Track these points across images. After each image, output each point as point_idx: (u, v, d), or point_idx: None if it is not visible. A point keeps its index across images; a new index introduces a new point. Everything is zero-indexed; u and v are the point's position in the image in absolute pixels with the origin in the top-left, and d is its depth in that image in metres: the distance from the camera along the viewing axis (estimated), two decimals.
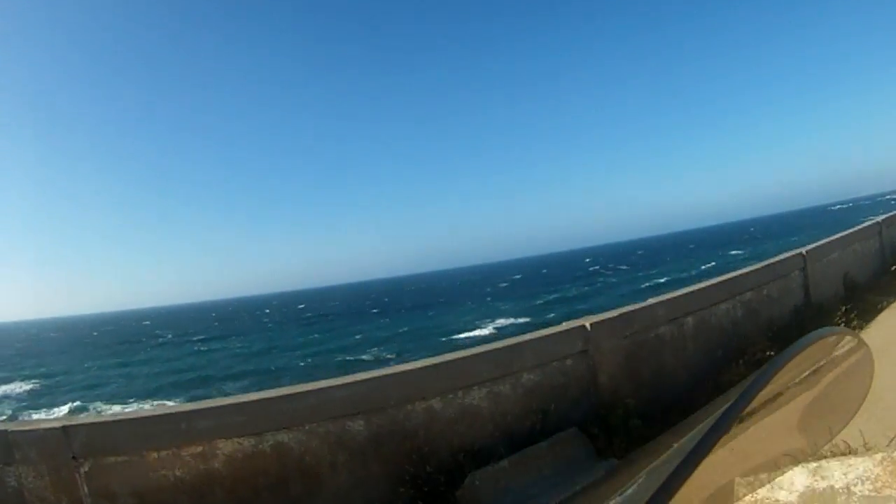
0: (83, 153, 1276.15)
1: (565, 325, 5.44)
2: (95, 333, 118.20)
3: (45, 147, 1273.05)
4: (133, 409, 28.31)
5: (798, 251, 9.97)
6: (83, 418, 3.59)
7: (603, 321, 5.59)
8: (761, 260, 9.68)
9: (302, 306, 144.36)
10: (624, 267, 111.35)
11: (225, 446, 3.60)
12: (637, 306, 6.27)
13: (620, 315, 5.83)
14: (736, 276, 8.16)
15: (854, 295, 10.39)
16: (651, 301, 6.57)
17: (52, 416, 27.89)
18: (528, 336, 5.01)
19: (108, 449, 3.40)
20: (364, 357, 43.97)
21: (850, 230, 12.18)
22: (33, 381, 49.95)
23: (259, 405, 3.71)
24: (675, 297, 6.81)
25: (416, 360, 4.50)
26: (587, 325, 5.45)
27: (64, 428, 3.33)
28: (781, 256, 9.68)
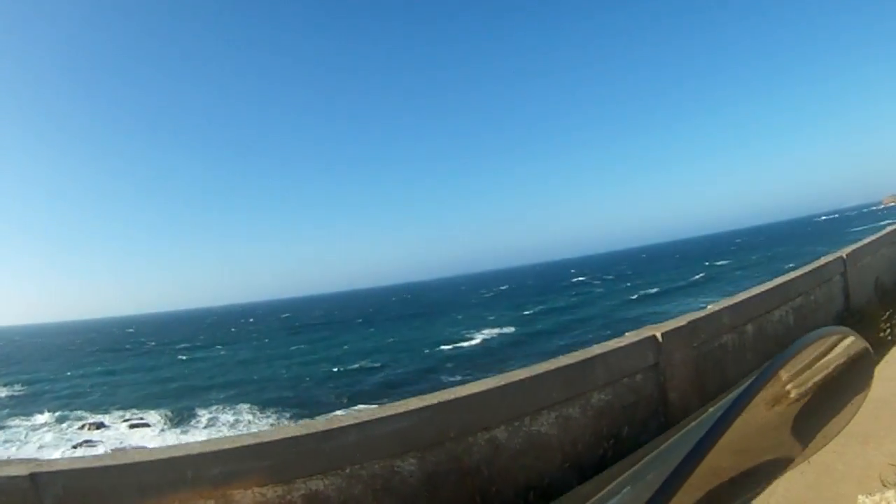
0: (66, 158, 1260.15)
1: (633, 336, 4.65)
2: (79, 341, 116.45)
3: (26, 150, 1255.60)
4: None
5: (838, 254, 9.48)
6: (58, 463, 2.62)
7: (673, 330, 4.83)
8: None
9: (286, 315, 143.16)
10: (610, 277, 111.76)
11: (243, 498, 2.68)
12: (703, 313, 5.54)
13: (689, 323, 5.09)
14: (788, 281, 7.60)
15: (886, 300, 9.96)
16: (715, 308, 5.86)
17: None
18: (597, 349, 4.20)
19: (90, 503, 2.50)
20: (352, 367, 43.02)
21: (879, 234, 11.68)
22: (15, 386, 49.08)
23: (287, 445, 2.79)
24: (736, 304, 6.16)
25: (476, 380, 3.62)
26: (658, 335, 4.68)
27: (32, 476, 2.44)
28: (824, 260, 9.17)
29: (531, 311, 66.31)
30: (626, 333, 4.81)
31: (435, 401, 3.20)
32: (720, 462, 0.93)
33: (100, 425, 31.52)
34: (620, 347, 4.30)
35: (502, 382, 3.49)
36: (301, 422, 3.02)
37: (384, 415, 3.00)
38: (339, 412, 27.39)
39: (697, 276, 71.04)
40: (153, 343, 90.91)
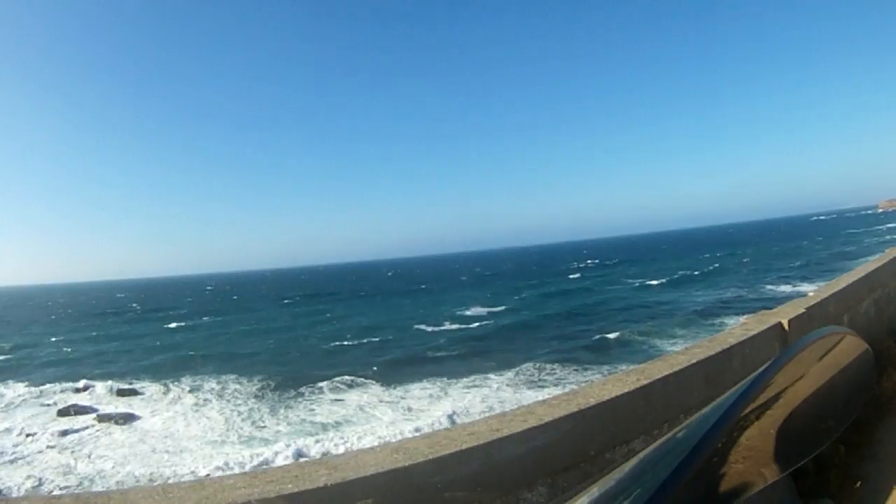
0: (57, 114, 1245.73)
1: (756, 322, 3.83)
2: (62, 300, 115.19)
3: (15, 107, 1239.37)
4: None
5: None
6: None
7: (797, 318, 4.00)
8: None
9: (279, 286, 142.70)
10: (614, 260, 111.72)
11: None
12: (815, 300, 4.77)
13: (807, 310, 4.29)
14: (871, 272, 6.95)
15: None
16: (822, 294, 5.13)
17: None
18: (730, 338, 3.34)
19: None
20: (346, 343, 42.28)
21: None
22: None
23: (381, 482, 1.78)
24: (837, 292, 5.42)
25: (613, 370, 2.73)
26: (784, 322, 3.85)
27: None
28: (892, 253, 8.54)
29: (534, 293, 65.75)
30: (743, 318, 4.01)
31: (574, 408, 2.25)
32: (721, 462, 0.95)
33: (87, 388, 30.83)
34: (751, 336, 3.46)
35: (644, 381, 2.59)
36: (392, 444, 2.04)
37: (513, 431, 2.05)
38: (325, 388, 26.70)
39: (704, 268, 70.53)
40: (142, 310, 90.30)
